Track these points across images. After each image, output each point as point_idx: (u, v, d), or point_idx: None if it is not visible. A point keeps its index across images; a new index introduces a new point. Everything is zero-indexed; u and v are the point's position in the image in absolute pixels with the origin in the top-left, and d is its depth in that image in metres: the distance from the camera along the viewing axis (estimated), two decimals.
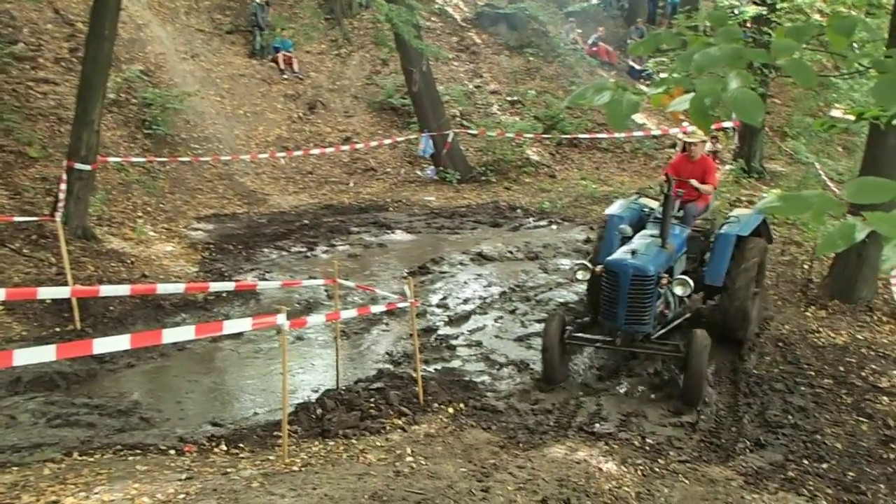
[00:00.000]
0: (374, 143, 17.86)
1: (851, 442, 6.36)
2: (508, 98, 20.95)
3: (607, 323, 7.42)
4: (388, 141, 18.11)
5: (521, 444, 5.92)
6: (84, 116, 10.39)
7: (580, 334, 7.72)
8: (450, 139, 17.58)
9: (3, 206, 10.43)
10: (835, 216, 1.96)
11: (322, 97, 19.52)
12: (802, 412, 6.90)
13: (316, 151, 16.84)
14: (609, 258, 7.52)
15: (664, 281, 7.38)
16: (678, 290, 7.50)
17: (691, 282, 7.50)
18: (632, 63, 22.80)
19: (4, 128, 11.88)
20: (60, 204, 9.67)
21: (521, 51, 22.82)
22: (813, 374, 7.79)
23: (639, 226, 8.50)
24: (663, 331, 7.67)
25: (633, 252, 7.41)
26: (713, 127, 17.69)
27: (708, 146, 18.65)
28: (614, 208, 8.90)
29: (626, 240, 8.02)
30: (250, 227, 13.37)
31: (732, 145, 17.98)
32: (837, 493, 5.49)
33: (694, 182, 8.42)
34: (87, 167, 10.31)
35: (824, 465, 5.94)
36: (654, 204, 8.82)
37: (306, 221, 13.88)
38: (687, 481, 5.49)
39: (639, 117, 20.89)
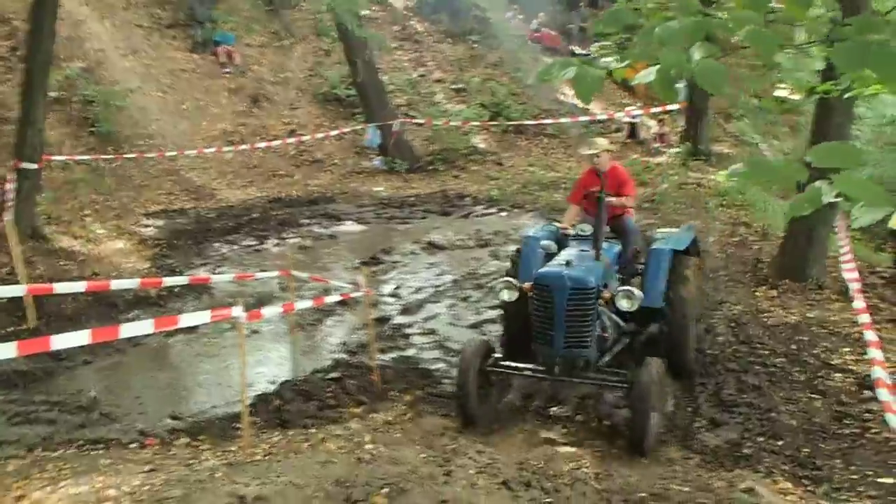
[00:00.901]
0: (320, 135, 17.90)
1: (806, 419, 6.39)
2: (453, 86, 21.14)
3: (542, 349, 6.26)
4: (334, 132, 18.17)
5: (479, 430, 6.15)
6: (27, 116, 10.30)
7: (508, 363, 6.53)
8: (396, 129, 17.72)
9: None
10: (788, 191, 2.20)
11: (265, 90, 19.45)
12: (757, 391, 6.90)
13: (262, 145, 16.83)
14: (541, 270, 6.43)
15: (605, 296, 6.38)
16: (624, 304, 6.37)
17: (638, 292, 6.40)
18: (574, 48, 23.19)
19: None
20: (9, 204, 9.60)
21: (464, 38, 23.03)
22: (766, 353, 7.78)
23: (559, 247, 7.23)
24: (606, 358, 6.63)
25: (568, 263, 6.37)
26: (658, 109, 18.20)
27: (654, 129, 19.33)
28: (530, 231, 7.79)
29: (549, 257, 6.97)
30: (199, 223, 13.37)
31: (679, 128, 18.46)
32: (793, 469, 5.55)
33: (613, 200, 7.18)
34: (34, 166, 10.23)
35: (780, 443, 5.97)
36: (571, 230, 7.44)
37: (255, 215, 13.93)
38: (645, 461, 5.63)
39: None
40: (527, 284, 6.50)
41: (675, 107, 17.06)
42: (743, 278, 10.10)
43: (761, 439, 6.05)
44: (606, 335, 6.55)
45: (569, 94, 20.59)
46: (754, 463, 5.64)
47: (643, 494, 4.82)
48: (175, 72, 18.52)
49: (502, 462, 5.16)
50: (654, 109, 18.28)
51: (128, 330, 5.24)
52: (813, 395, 6.86)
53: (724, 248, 11.23)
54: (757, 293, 9.63)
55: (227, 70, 19.44)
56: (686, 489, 5.01)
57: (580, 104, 20.76)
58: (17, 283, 8.50)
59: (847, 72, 2.67)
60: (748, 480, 5.23)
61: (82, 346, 8.05)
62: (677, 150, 17.12)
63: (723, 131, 19.30)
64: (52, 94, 13.27)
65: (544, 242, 7.13)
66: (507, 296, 6.60)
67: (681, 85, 19.53)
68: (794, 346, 7.94)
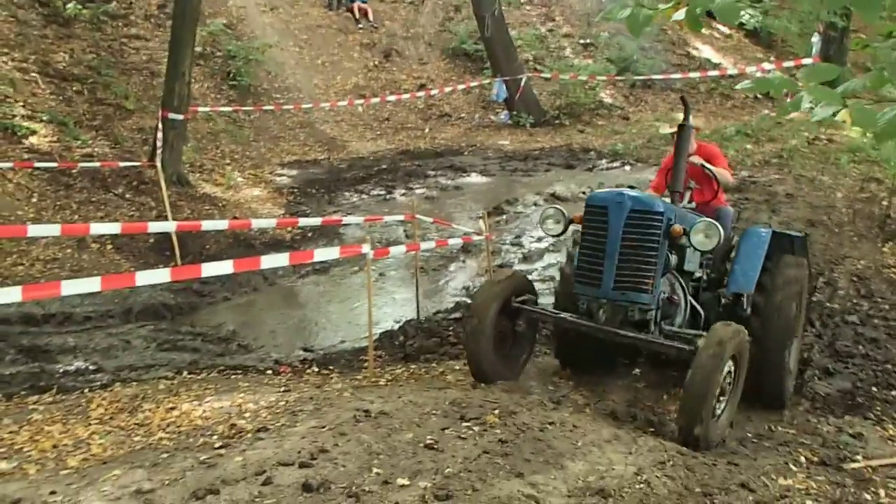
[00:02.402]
0: (448, 90, 18.10)
1: None
2: (581, 41, 20.77)
3: (586, 291, 4.91)
4: (461, 87, 18.32)
5: (589, 373, 6.22)
6: (175, 69, 11.02)
7: (537, 308, 5.38)
8: (523, 83, 17.62)
9: (105, 155, 11.23)
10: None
11: (397, 45, 19.82)
12: (874, 343, 6.89)
13: (392, 98, 17.22)
14: (596, 191, 5.25)
15: (677, 228, 4.89)
16: (699, 239, 4.83)
17: (720, 228, 4.83)
18: None
19: (103, 82, 12.67)
20: (158, 151, 10.38)
21: None
22: (887, 307, 7.73)
23: None
24: (670, 329, 5.10)
25: (631, 187, 5.31)
26: (791, 64, 17.20)
27: None
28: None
29: None
30: (331, 173, 13.93)
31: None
32: None
33: (701, 161, 5.89)
34: (180, 117, 10.98)
35: (894, 393, 5.97)
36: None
37: (384, 166, 14.34)
38: (756, 408, 5.64)
39: (714, 55, 20.45)
40: (577, 215, 5.17)
41: (808, 61, 16.10)
42: (869, 234, 9.82)
43: (875, 389, 6.01)
44: (675, 298, 5.16)
45: (700, 49, 19.80)
46: (865, 410, 5.62)
47: (749, 434, 4.82)
48: (311, 27, 19.18)
49: (612, 399, 5.26)
50: (786, 64, 17.30)
51: (267, 262, 5.63)
52: None
53: (852, 203, 10.70)
54: (884, 249, 9.38)
55: (361, 26, 19.94)
56: (791, 431, 4.97)
57: (713, 59, 20.02)
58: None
59: None
60: (857, 426, 5.21)
61: (223, 284, 8.77)
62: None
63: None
64: (197, 49, 14.10)
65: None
66: (552, 226, 5.32)
67: (815, 39, 18.38)
68: None
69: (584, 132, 17.15)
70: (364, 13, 20.07)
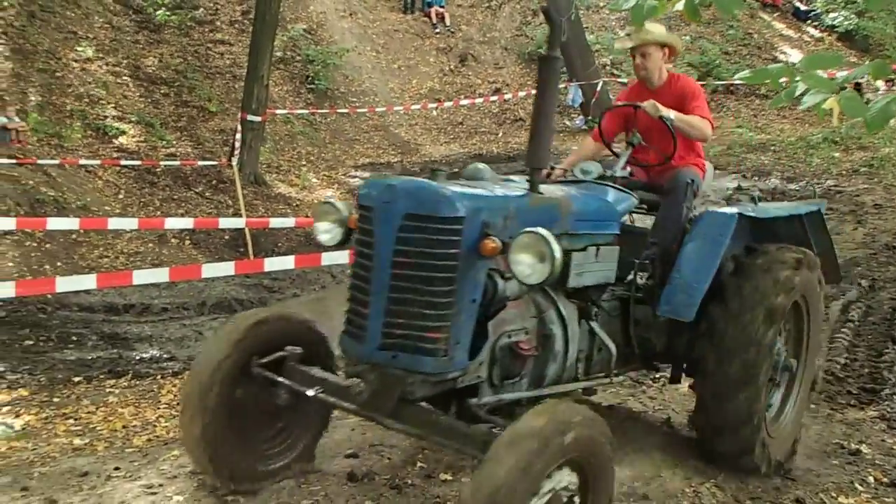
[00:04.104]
0: (522, 94, 18.07)
1: None
2: None
3: (350, 348, 2.99)
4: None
5: (653, 378, 6.08)
6: (255, 72, 11.41)
7: (299, 366, 3.26)
8: (599, 88, 17.46)
9: (187, 154, 11.71)
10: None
11: (473, 50, 19.93)
12: None
13: (466, 102, 17.32)
14: (371, 178, 3.51)
15: (489, 245, 2.85)
16: (519, 269, 2.84)
17: (553, 248, 2.77)
18: (797, 4, 21.48)
19: (189, 85, 13.21)
20: (236, 152, 10.76)
21: None
22: None
23: None
24: (512, 396, 3.16)
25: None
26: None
27: (882, 89, 17.51)
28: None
29: None
30: (404, 175, 14.11)
31: None
32: None
33: (655, 109, 4.03)
34: (258, 119, 11.36)
35: None
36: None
37: (456, 169, 14.38)
38: (827, 422, 5.44)
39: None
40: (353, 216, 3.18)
41: None
42: None
43: None
44: (515, 344, 3.08)
45: (789, 53, 19.19)
46: None
47: (814, 446, 4.67)
48: (389, 32, 19.49)
49: (672, 408, 5.16)
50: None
51: (327, 258, 5.78)
52: None
53: None
54: None
55: (438, 30, 20.14)
56: (863, 450, 4.77)
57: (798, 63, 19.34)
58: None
59: None
60: None
61: (292, 281, 9.01)
62: None
63: None
64: (278, 53, 14.54)
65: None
66: (323, 232, 3.27)
67: None
68: None
69: None
70: (441, 17, 20.27)
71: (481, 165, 3.50)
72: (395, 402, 2.85)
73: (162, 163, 10.73)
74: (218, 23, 15.41)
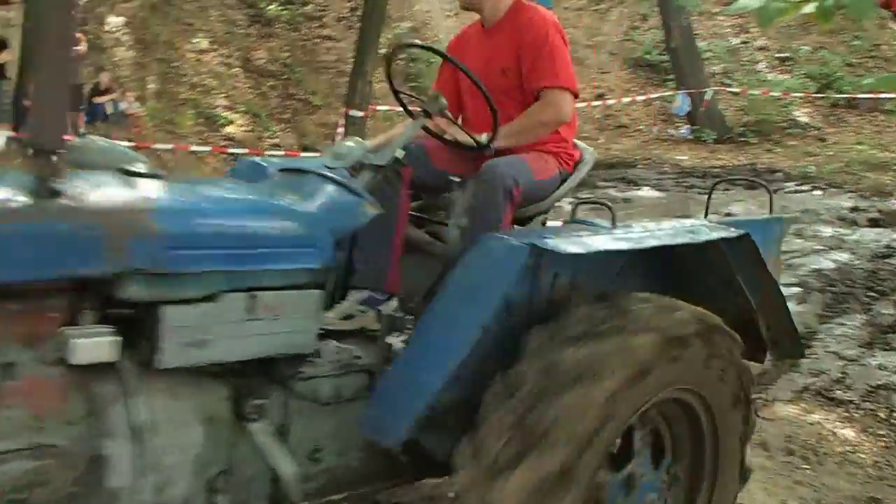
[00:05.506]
0: (626, 100, 17.67)
1: None
2: (778, 54, 19.54)
3: None
4: (641, 98, 17.83)
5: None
6: (360, 68, 11.55)
7: None
8: (708, 97, 16.88)
9: (291, 145, 11.95)
10: None
11: (578, 53, 19.57)
12: None
13: None
14: None
15: None
16: None
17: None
18: None
19: (295, 79, 13.50)
20: None
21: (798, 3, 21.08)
22: None
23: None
24: None
25: None
26: None
27: None
28: None
29: None
30: None
31: None
32: None
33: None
34: (361, 114, 11.48)
35: None
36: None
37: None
38: None
39: None
40: None
41: None
42: None
43: None
44: None
45: None
46: None
47: None
48: None
49: (768, 431, 4.87)
50: None
51: None
52: None
53: None
54: None
55: None
56: None
57: None
58: None
59: None
60: None
61: None
62: None
63: None
64: (382, 51, 14.66)
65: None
66: None
67: None
68: None
69: (771, 152, 16.14)
70: None
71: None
72: None
73: (266, 152, 10.97)
74: (325, 19, 15.68)
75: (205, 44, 13.34)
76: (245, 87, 13.21)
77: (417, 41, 2.97)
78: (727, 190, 13.27)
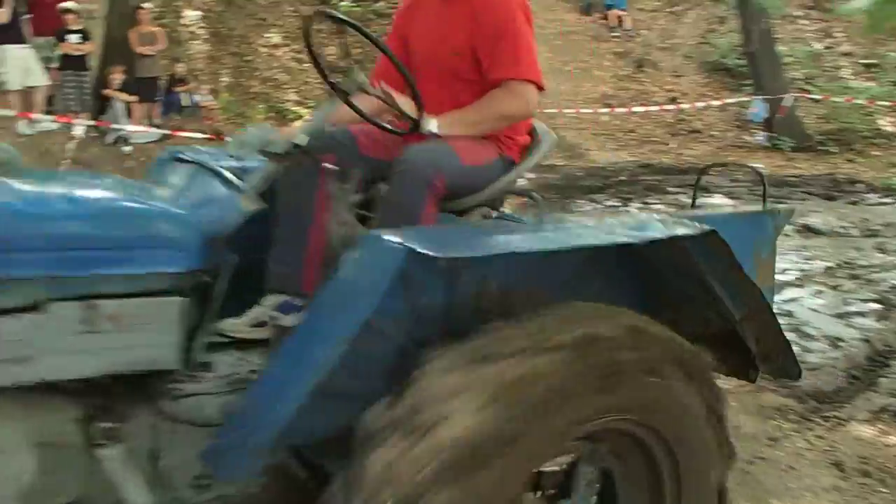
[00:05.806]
0: (701, 105, 17.24)
1: None
2: (863, 61, 18.80)
3: None
4: (716, 103, 17.37)
5: (822, 416, 5.56)
6: None
7: None
8: (787, 104, 16.33)
9: None
10: None
11: (651, 55, 19.23)
12: None
13: (639, 110, 16.72)
14: None
15: None
16: None
17: None
18: None
19: (366, 75, 13.54)
20: None
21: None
22: None
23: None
24: None
25: None
26: None
27: None
28: None
29: None
30: (567, 179, 13.79)
31: None
32: None
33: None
34: None
35: None
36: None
37: (623, 178, 13.93)
38: None
39: None
40: None
41: None
42: None
43: None
44: None
45: None
46: None
47: None
48: (565, 33, 19.16)
49: (843, 451, 4.64)
50: None
51: None
52: None
53: None
54: None
55: (616, 33, 19.58)
56: None
57: None
58: None
59: None
60: None
61: None
62: None
63: None
64: None
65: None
66: None
67: None
68: None
69: (853, 161, 15.53)
70: (620, 20, 19.67)
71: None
72: None
73: None
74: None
75: (277, 39, 13.53)
76: (315, 82, 13.33)
77: (334, 12, 2.44)
78: (804, 200, 12.80)
